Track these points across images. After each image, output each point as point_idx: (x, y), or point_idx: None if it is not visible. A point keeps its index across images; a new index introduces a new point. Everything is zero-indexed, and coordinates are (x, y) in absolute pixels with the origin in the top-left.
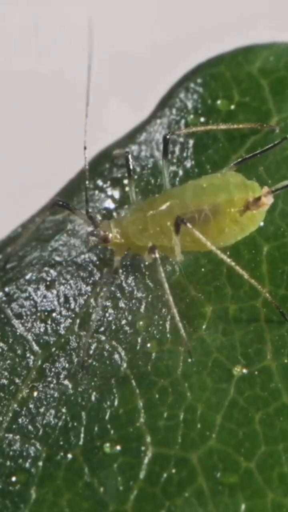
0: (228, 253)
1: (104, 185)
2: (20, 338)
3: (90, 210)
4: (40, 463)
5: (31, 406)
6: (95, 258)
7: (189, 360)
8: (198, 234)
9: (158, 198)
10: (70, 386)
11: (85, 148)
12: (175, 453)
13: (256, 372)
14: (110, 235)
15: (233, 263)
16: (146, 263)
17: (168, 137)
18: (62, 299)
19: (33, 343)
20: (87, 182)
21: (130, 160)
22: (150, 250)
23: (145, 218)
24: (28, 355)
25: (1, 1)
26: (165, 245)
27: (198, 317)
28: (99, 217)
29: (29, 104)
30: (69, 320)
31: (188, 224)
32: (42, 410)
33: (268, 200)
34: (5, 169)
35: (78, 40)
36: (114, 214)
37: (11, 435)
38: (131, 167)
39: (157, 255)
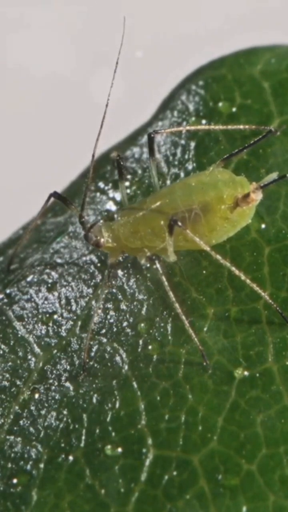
0: (229, 255)
1: (106, 187)
2: (21, 340)
3: (84, 215)
4: (42, 465)
5: (32, 408)
6: (96, 260)
7: (204, 364)
8: (191, 235)
9: (148, 199)
10: (71, 388)
11: (93, 156)
12: (177, 455)
13: (257, 374)
14: (102, 239)
15: (228, 264)
16: (148, 265)
17: (152, 135)
18: (63, 301)
19: (35, 345)
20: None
21: (121, 164)
22: (150, 260)
23: (136, 220)
24: (29, 357)
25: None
26: (157, 246)
27: (200, 319)
28: (99, 219)
29: (30, 106)
30: (71, 322)
31: (182, 226)
32: (43, 412)
33: (257, 196)
34: (6, 171)
35: (81, 41)
36: (113, 217)
37: (12, 437)
38: (122, 170)
39: (159, 265)
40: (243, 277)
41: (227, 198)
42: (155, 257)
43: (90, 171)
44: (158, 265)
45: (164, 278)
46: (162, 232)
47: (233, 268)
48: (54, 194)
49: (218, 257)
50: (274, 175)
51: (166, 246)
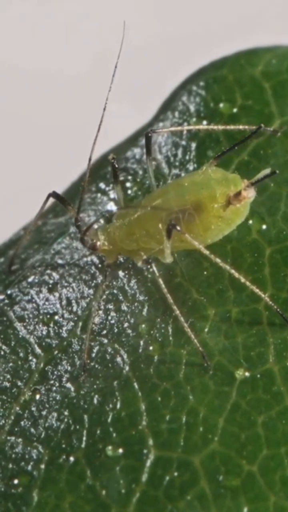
0: (230, 256)
1: (107, 188)
2: (22, 340)
3: (83, 217)
4: (42, 466)
5: (33, 409)
6: (97, 261)
7: (205, 365)
8: (190, 238)
9: (142, 201)
10: (72, 389)
11: (89, 159)
12: (178, 456)
13: (258, 375)
14: (98, 243)
15: (228, 267)
16: (148, 266)
17: (150, 134)
18: (64, 302)
19: (36, 346)
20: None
21: (116, 166)
22: (146, 262)
23: (131, 222)
24: (30, 358)
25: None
26: (153, 248)
27: (201, 320)
28: (99, 219)
29: (31, 106)
30: (72, 323)
31: (181, 230)
32: (44, 413)
33: (249, 193)
34: (6, 171)
35: (82, 41)
36: (111, 219)
37: (13, 438)
38: (117, 173)
39: (155, 269)
40: (243, 280)
41: (220, 197)
42: (151, 260)
43: (87, 174)
44: (154, 268)
45: (161, 281)
46: (157, 234)
47: (233, 271)
48: (53, 194)
49: (218, 260)
50: (266, 171)
51: (162, 247)
